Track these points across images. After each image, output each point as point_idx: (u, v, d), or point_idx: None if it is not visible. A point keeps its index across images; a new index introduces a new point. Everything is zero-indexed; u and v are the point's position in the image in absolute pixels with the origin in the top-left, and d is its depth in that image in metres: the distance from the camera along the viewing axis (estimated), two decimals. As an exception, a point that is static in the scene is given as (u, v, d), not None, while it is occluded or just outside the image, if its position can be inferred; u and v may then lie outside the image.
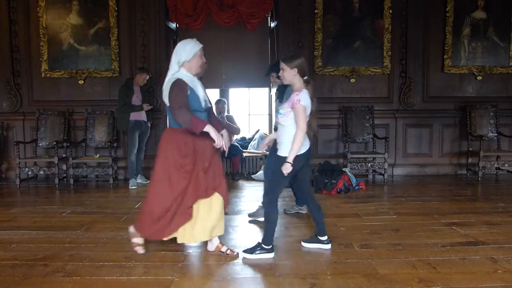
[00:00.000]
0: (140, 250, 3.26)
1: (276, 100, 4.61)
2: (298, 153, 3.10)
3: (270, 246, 3.20)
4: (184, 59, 3.05)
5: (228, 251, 3.25)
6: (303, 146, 3.14)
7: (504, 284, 2.67)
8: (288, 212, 4.49)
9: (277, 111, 4.21)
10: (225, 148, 3.09)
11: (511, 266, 2.96)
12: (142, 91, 6.14)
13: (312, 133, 3.26)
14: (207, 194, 3.13)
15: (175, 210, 3.06)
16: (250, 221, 4.22)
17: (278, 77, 4.31)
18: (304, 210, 4.43)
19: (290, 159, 3.04)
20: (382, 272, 2.87)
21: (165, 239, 3.16)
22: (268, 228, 3.19)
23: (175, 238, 3.16)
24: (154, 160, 3.19)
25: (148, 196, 3.17)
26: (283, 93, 4.24)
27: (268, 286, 2.73)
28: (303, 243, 3.43)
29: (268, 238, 3.19)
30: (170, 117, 3.09)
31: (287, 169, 3.04)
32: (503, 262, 3.03)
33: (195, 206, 3.10)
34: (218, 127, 3.19)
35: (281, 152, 3.16)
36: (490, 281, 2.72)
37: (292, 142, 3.06)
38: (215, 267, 3.05)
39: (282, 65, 3.19)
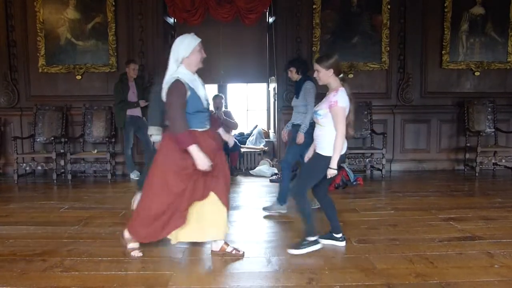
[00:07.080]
0: (136, 253, 3.11)
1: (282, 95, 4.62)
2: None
3: (315, 238, 3.17)
4: (183, 55, 2.88)
5: (234, 251, 3.14)
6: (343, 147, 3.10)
7: (500, 279, 2.69)
8: (266, 210, 4.26)
9: (295, 107, 4.31)
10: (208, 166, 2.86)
11: (508, 260, 2.98)
12: (137, 87, 6.09)
13: (352, 132, 3.13)
14: (203, 196, 2.98)
15: (171, 214, 2.93)
16: (264, 216, 4.19)
17: (298, 72, 4.30)
18: (284, 209, 4.23)
19: (334, 165, 3.00)
20: (379, 267, 2.88)
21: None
22: (306, 221, 3.17)
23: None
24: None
25: (143, 198, 3.04)
26: (300, 88, 4.19)
27: (266, 281, 2.74)
28: (319, 239, 3.23)
29: (310, 230, 3.15)
30: None
31: (332, 174, 3.03)
32: (500, 257, 3.04)
33: (190, 209, 2.98)
34: (216, 124, 3.15)
35: (321, 151, 3.09)
36: (486, 276, 2.74)
37: (334, 149, 3.00)
38: (213, 262, 3.05)
39: (316, 66, 3.08)
